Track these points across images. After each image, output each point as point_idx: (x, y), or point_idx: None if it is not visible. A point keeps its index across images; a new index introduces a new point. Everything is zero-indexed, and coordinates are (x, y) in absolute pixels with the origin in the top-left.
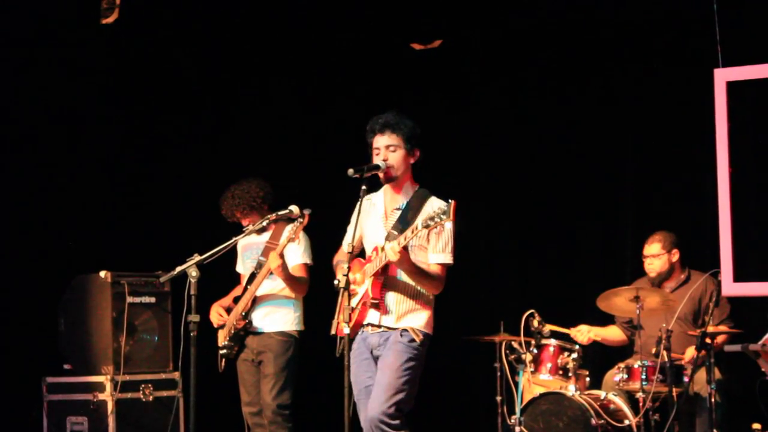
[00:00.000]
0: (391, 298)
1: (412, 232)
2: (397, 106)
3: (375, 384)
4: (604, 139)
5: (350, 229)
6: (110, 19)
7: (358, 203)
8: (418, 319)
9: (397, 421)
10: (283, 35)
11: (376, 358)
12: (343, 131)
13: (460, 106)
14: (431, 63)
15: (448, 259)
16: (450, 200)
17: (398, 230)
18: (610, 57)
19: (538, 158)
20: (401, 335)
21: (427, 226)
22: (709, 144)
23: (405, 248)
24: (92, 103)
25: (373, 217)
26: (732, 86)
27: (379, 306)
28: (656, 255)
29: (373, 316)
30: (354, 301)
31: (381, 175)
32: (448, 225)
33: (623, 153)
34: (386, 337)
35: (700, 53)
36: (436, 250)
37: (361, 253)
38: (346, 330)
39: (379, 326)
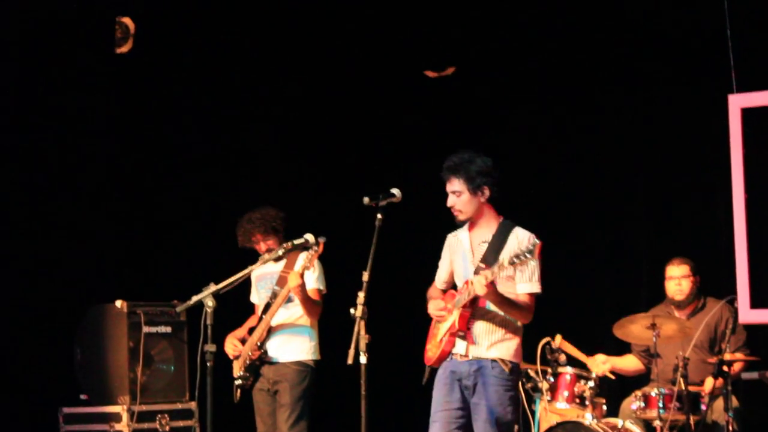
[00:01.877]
0: (480, 327)
1: (499, 268)
2: (411, 132)
3: (479, 419)
4: (619, 165)
5: (441, 264)
6: (124, 49)
7: (375, 235)
8: (507, 348)
9: None
10: (298, 65)
11: (464, 387)
12: (358, 159)
13: (474, 132)
14: (445, 90)
15: (535, 288)
16: (536, 240)
17: (487, 263)
18: (624, 83)
19: (552, 186)
20: (492, 367)
21: (512, 263)
22: (724, 170)
23: (492, 282)
24: (107, 132)
25: (459, 253)
26: (746, 112)
27: (465, 337)
28: (686, 276)
29: (460, 346)
30: (442, 331)
31: (394, 200)
32: (533, 262)
33: (638, 179)
34: (476, 366)
35: (714, 79)
36: (523, 280)
37: (454, 287)
38: (363, 360)
39: (467, 356)
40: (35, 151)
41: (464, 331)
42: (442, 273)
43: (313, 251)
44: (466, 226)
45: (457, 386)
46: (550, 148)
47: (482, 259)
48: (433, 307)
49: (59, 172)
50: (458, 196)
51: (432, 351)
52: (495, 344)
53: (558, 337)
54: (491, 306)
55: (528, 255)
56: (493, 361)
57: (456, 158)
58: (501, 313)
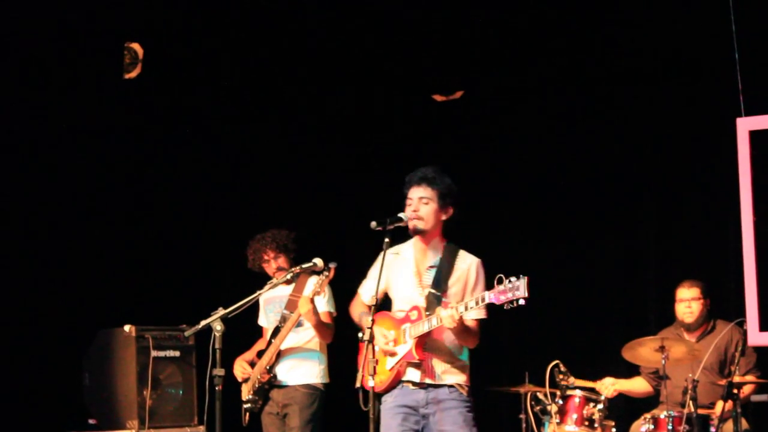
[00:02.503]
0: (433, 359)
1: (477, 303)
2: (418, 157)
3: None
4: (626, 186)
5: (371, 281)
6: (133, 74)
7: (382, 255)
8: (459, 375)
9: None
10: (305, 86)
11: (421, 416)
12: (366, 183)
13: (482, 155)
14: (454, 114)
15: (482, 314)
16: (523, 276)
17: (438, 289)
18: (631, 105)
19: (559, 208)
20: (450, 392)
21: (497, 300)
22: (732, 192)
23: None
24: (115, 155)
25: (403, 272)
26: (755, 135)
27: (422, 365)
28: (696, 298)
29: (413, 374)
30: (393, 360)
31: (410, 226)
32: (481, 281)
33: (647, 201)
34: (434, 395)
35: (722, 102)
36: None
37: (383, 306)
38: (371, 383)
39: (421, 384)
40: (44, 174)
41: (422, 359)
42: (372, 288)
43: (324, 276)
44: (409, 245)
45: (411, 416)
46: (558, 169)
47: (433, 285)
48: (382, 342)
49: (68, 196)
50: (426, 203)
51: (381, 377)
52: (448, 371)
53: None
54: (443, 337)
55: (518, 293)
56: (450, 387)
57: (430, 170)
58: (450, 341)
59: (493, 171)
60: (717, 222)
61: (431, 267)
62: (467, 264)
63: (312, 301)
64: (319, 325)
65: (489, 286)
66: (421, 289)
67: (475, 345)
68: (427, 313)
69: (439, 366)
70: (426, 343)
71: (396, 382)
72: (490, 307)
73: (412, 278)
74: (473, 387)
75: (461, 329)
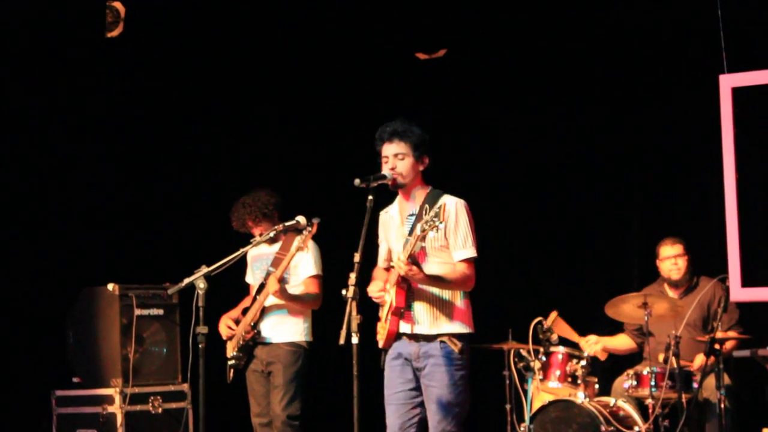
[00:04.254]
0: (419, 306)
1: (415, 239)
2: (402, 115)
3: (430, 402)
4: (611, 145)
5: (382, 245)
6: (115, 33)
7: (367, 216)
8: (452, 323)
9: None
10: (289, 44)
11: (415, 369)
12: (350, 140)
13: (467, 114)
14: (436, 72)
15: (471, 252)
16: (454, 205)
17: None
18: (615, 63)
19: (544, 165)
20: (441, 348)
21: (423, 231)
22: (715, 149)
23: (414, 260)
24: (98, 114)
25: (393, 229)
26: (737, 92)
27: (404, 315)
28: (681, 255)
29: (404, 326)
30: (383, 314)
31: (389, 183)
32: (463, 220)
33: (629, 159)
34: (424, 349)
35: (705, 59)
36: (457, 247)
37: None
38: (354, 340)
39: (413, 335)
40: (26, 135)
41: (403, 308)
42: (383, 252)
43: (307, 232)
44: (396, 201)
45: (409, 367)
46: (541, 127)
47: (410, 233)
48: (373, 289)
49: (51, 156)
50: (401, 158)
51: (381, 333)
52: (438, 320)
53: (553, 314)
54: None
55: (435, 219)
56: (441, 342)
57: (399, 124)
58: (434, 288)
59: (477, 128)
60: (699, 179)
61: (411, 215)
62: (446, 205)
63: (281, 280)
64: (292, 301)
65: (476, 228)
66: (403, 239)
67: (469, 288)
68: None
69: (427, 314)
70: (408, 291)
71: (392, 335)
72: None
73: (397, 230)
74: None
75: (422, 278)
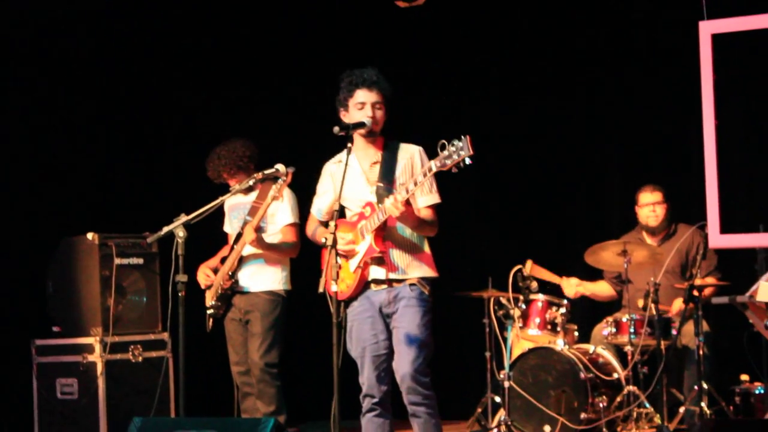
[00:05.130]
0: (394, 251)
1: (424, 175)
2: (381, 64)
3: (400, 343)
4: (590, 93)
5: (321, 197)
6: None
7: (345, 162)
8: (423, 267)
9: (428, 378)
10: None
11: (385, 316)
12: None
13: (445, 64)
14: (416, 21)
15: (436, 198)
16: (464, 135)
17: (386, 182)
18: (594, 12)
19: (523, 113)
20: (411, 290)
21: (443, 165)
22: (695, 97)
23: (407, 201)
24: (77, 66)
25: (350, 176)
26: (717, 38)
27: (384, 259)
28: (659, 202)
29: (377, 271)
30: (356, 261)
31: (363, 131)
32: (426, 166)
33: (608, 107)
34: (395, 293)
35: (684, 6)
36: (423, 194)
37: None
38: (335, 288)
39: (386, 281)
40: (3, 86)
41: (384, 251)
42: (324, 204)
43: (282, 181)
44: (346, 151)
45: (378, 317)
46: (520, 77)
47: (380, 179)
48: (342, 243)
49: (29, 105)
50: (379, 108)
51: (347, 282)
52: (411, 263)
53: (528, 263)
54: (401, 228)
55: (462, 152)
56: (412, 284)
57: (374, 74)
58: (408, 232)
59: (455, 78)
60: (678, 126)
61: (375, 163)
62: (409, 153)
63: (257, 229)
64: (269, 250)
65: (457, 177)
66: (370, 186)
67: (435, 233)
68: (380, 205)
69: (401, 259)
70: (384, 235)
71: (362, 284)
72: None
73: (359, 178)
74: (437, 288)
75: (412, 217)
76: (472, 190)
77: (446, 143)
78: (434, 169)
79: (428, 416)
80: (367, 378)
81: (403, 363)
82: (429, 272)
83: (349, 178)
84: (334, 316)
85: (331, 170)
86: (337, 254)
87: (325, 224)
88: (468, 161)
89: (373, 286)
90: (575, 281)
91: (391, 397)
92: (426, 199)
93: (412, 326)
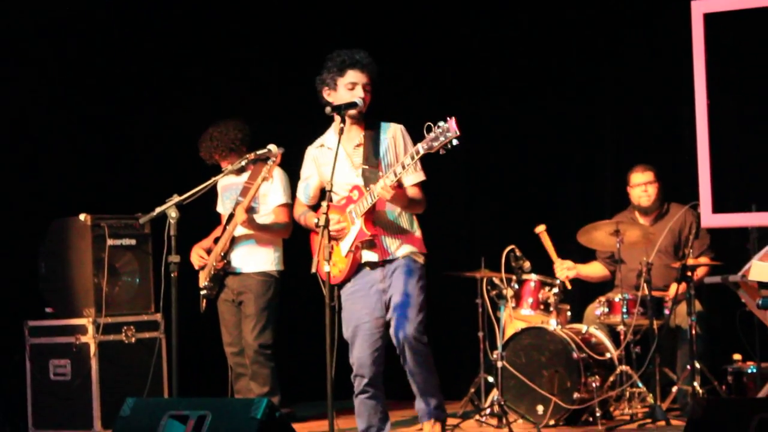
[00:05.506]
0: (385, 237)
1: (412, 158)
2: (368, 45)
3: (397, 307)
4: (582, 73)
5: (305, 181)
6: None
7: (338, 141)
8: (412, 246)
9: (426, 339)
10: None
11: (381, 292)
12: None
13: (438, 41)
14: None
15: (421, 176)
16: (449, 117)
17: (370, 164)
18: None
19: (515, 93)
20: (405, 261)
21: (430, 148)
22: (687, 76)
23: (399, 183)
24: (70, 46)
25: (336, 160)
26: (709, 18)
27: (375, 242)
28: (651, 182)
29: (369, 255)
30: (347, 245)
31: (354, 112)
32: (410, 145)
33: (601, 88)
34: (391, 269)
35: None
36: (408, 173)
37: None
38: (327, 268)
39: (379, 263)
40: None
41: (375, 234)
42: (310, 189)
43: (272, 162)
44: (329, 134)
45: (374, 294)
46: (513, 54)
47: (364, 161)
48: (332, 223)
49: (22, 88)
50: (368, 89)
51: (339, 266)
52: (401, 245)
53: (542, 226)
54: (388, 208)
55: (449, 134)
56: (405, 257)
57: (364, 55)
58: (397, 214)
59: (448, 56)
60: (671, 106)
61: (358, 145)
62: (392, 132)
63: (248, 210)
64: (261, 230)
65: (450, 156)
66: (355, 169)
67: (423, 209)
68: (367, 188)
69: (391, 241)
70: (374, 219)
71: (354, 267)
72: (427, 162)
73: (344, 162)
74: (429, 269)
75: (403, 198)
76: (464, 170)
77: (432, 125)
78: (422, 152)
79: (429, 374)
80: (357, 357)
81: (403, 325)
82: (420, 248)
83: (331, 162)
84: (327, 299)
85: (313, 154)
86: (329, 232)
87: (313, 208)
88: (455, 142)
89: (367, 268)
90: (570, 264)
91: (383, 378)
92: (411, 178)
93: (409, 288)
